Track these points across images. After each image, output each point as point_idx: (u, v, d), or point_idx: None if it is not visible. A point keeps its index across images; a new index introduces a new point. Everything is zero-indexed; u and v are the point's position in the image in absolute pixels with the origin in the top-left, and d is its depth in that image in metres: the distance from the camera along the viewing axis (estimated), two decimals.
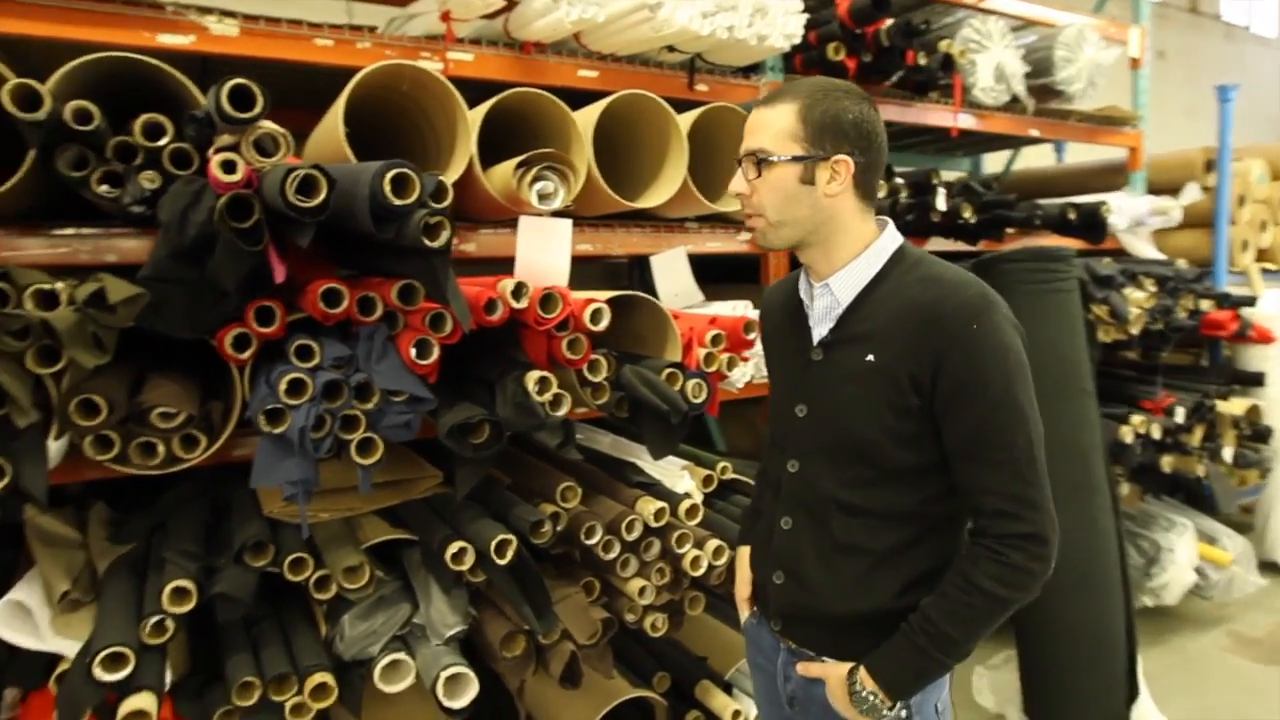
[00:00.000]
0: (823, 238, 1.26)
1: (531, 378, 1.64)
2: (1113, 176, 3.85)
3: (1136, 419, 2.80)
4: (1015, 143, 4.00)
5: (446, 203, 1.51)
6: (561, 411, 1.70)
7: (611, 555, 1.83)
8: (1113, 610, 2.41)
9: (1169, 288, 3.16)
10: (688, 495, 2.01)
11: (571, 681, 1.78)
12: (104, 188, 1.49)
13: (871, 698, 1.23)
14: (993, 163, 4.47)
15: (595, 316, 1.74)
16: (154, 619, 1.46)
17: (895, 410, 1.21)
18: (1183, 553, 3.00)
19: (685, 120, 2.20)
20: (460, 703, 1.63)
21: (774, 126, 1.23)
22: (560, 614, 1.74)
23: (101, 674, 1.36)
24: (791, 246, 1.29)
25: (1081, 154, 4.41)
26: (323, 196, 1.34)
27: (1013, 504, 1.16)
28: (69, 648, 1.44)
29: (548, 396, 1.66)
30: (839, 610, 1.28)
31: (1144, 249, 3.59)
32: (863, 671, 1.24)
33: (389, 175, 1.38)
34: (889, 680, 1.23)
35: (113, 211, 1.53)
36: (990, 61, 3.00)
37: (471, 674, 1.65)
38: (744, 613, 1.50)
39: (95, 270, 1.48)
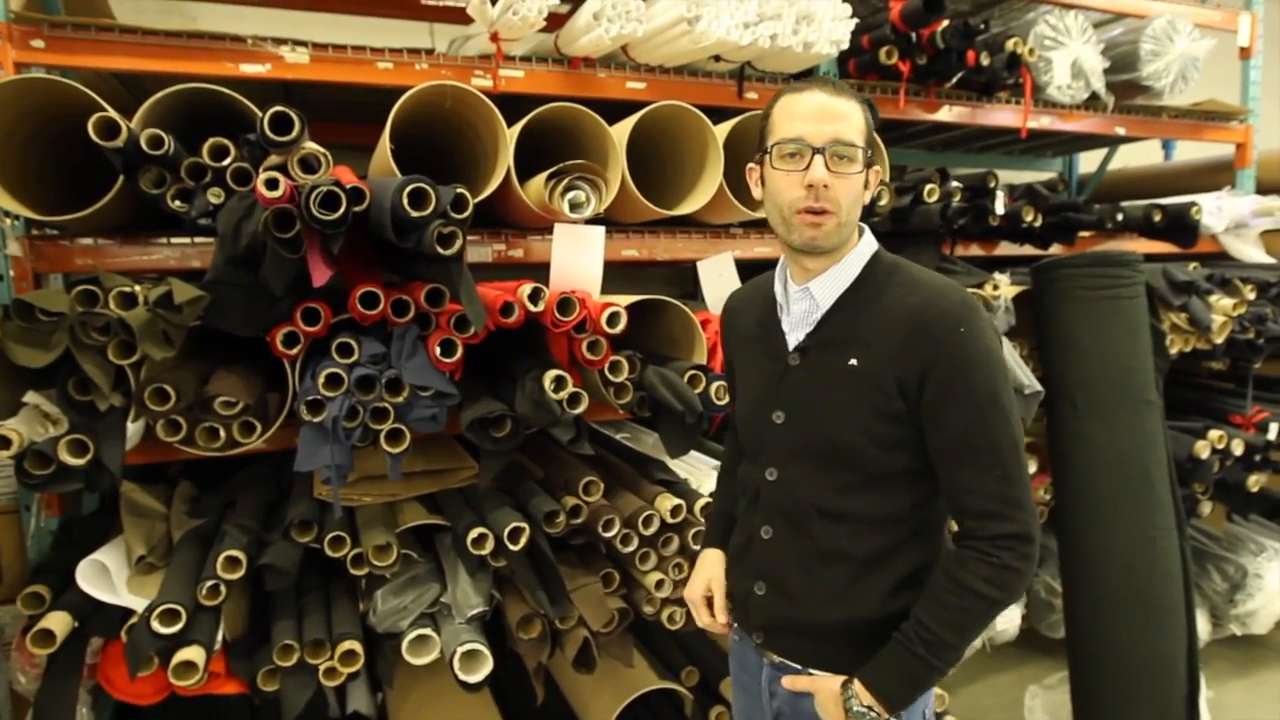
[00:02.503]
0: (842, 243, 1.27)
1: (548, 376, 1.74)
2: (1218, 175, 3.60)
3: (1214, 433, 2.63)
4: (1102, 142, 3.80)
5: (466, 214, 1.63)
6: (579, 409, 1.79)
7: (630, 548, 1.91)
8: (1173, 634, 2.28)
9: (1271, 294, 2.94)
10: (710, 495, 2.06)
11: (586, 666, 1.87)
12: (177, 203, 1.70)
13: (869, 711, 1.21)
14: (1087, 162, 4.25)
15: (612, 320, 1.83)
16: (209, 583, 1.65)
17: (880, 415, 1.21)
18: (1274, 579, 2.79)
19: (724, 129, 2.25)
20: (476, 677, 1.76)
21: (854, 120, 1.21)
22: (576, 601, 1.84)
23: (158, 627, 1.56)
24: (835, 248, 1.26)
25: (1191, 152, 4.13)
26: (342, 210, 1.48)
27: (1000, 504, 1.17)
28: (139, 604, 1.65)
29: (564, 394, 1.76)
30: (824, 619, 1.28)
31: (1249, 252, 3.34)
32: (858, 684, 1.22)
33: (406, 190, 1.52)
34: (886, 691, 1.21)
35: (186, 224, 1.74)
36: (1067, 58, 2.88)
37: (487, 651, 1.77)
38: (699, 615, 1.49)
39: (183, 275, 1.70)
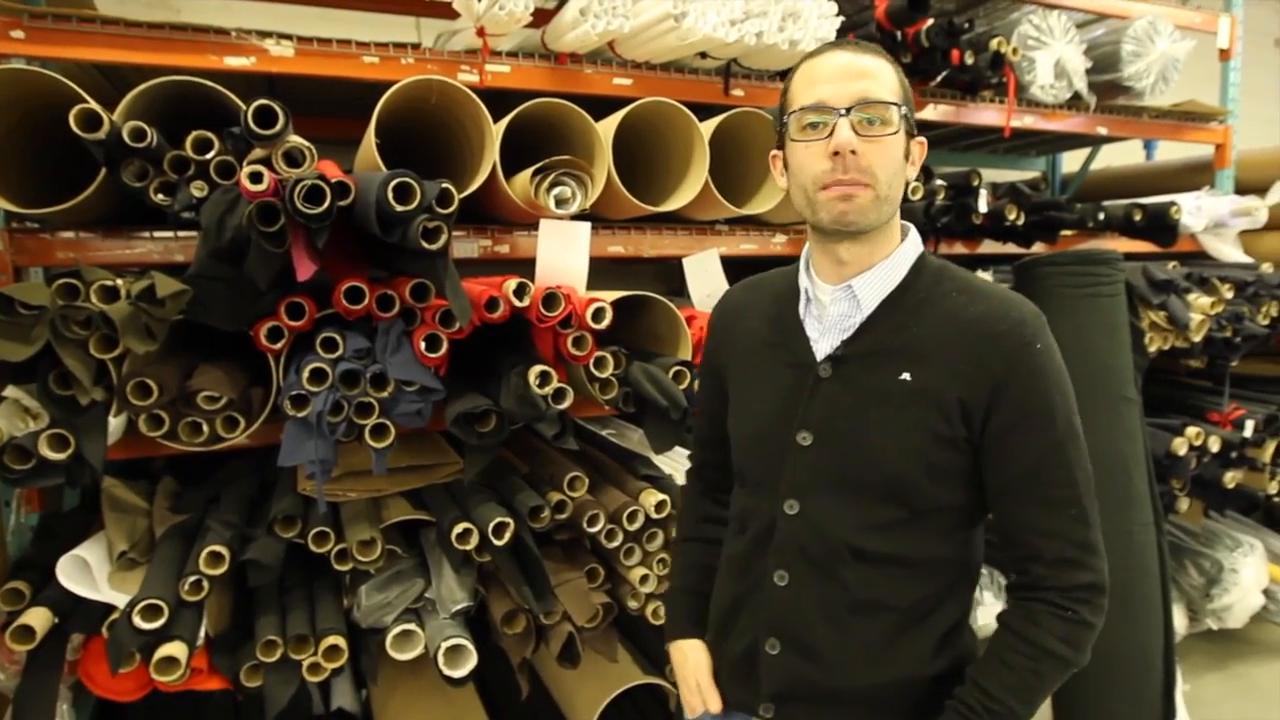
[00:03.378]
0: (882, 229, 1.08)
1: (533, 372, 1.75)
2: (1198, 175, 3.64)
3: (1191, 430, 2.66)
4: (1085, 142, 3.84)
5: (452, 209, 1.63)
6: (564, 405, 1.80)
7: (614, 544, 1.91)
8: (1150, 628, 2.32)
9: (1249, 293, 2.98)
10: None
11: (570, 661, 1.88)
12: (160, 196, 1.69)
13: None
14: (1071, 162, 4.30)
15: (597, 315, 1.83)
16: (191, 578, 1.65)
17: (939, 440, 1.04)
18: (1249, 574, 2.83)
19: (710, 125, 2.26)
20: (460, 672, 1.76)
21: (885, 78, 1.04)
22: (560, 596, 1.84)
23: (140, 622, 1.55)
24: (869, 230, 1.06)
25: (1172, 152, 4.18)
26: (326, 204, 1.48)
27: (1077, 550, 1.02)
28: (120, 599, 1.64)
29: (549, 389, 1.76)
30: (860, 684, 1.08)
31: (1228, 252, 3.39)
32: None
33: (391, 184, 1.52)
34: None
35: (169, 217, 1.73)
36: (1050, 58, 2.91)
37: (470, 646, 1.77)
38: (711, 704, 1.21)
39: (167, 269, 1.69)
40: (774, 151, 1.17)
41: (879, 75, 1.04)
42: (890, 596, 1.07)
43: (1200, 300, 2.74)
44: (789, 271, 1.23)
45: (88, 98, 1.61)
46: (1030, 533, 1.04)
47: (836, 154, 1.01)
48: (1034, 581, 1.05)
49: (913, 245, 1.13)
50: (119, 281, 1.61)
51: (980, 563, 1.17)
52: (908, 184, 1.11)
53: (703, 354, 1.35)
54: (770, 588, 1.12)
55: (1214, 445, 2.70)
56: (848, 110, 1.01)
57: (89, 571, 1.68)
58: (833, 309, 1.11)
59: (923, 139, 1.11)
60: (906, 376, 1.05)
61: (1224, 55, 3.56)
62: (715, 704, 1.22)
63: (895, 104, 1.03)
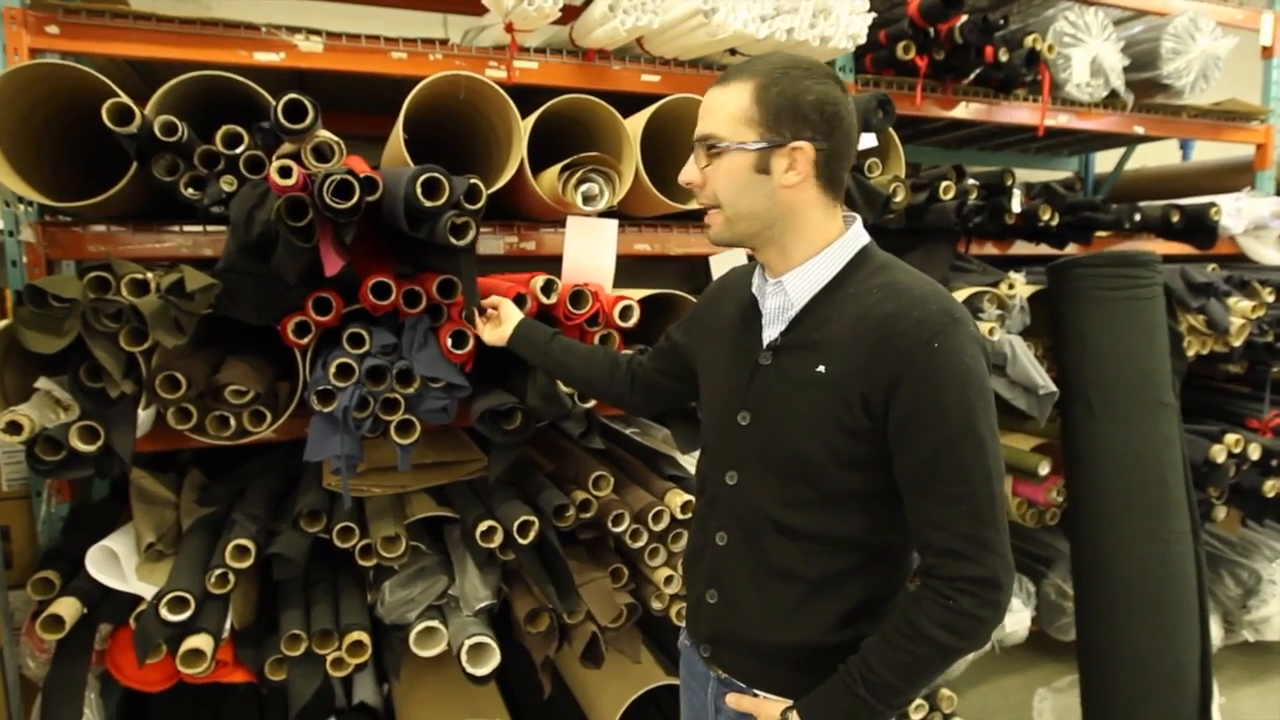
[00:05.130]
0: (779, 233, 1.16)
1: None
2: (1237, 176, 3.56)
3: (1231, 438, 2.60)
4: (1120, 141, 3.76)
5: (480, 204, 1.62)
6: (590, 403, 1.78)
7: (639, 544, 1.90)
8: (1186, 639, 2.26)
9: None
10: None
11: (593, 661, 1.87)
12: (190, 191, 1.70)
13: None
14: (1104, 162, 4.21)
15: (625, 314, 1.82)
16: (218, 571, 1.65)
17: (843, 430, 1.11)
18: None
19: None
20: (483, 670, 1.75)
21: (726, 109, 1.12)
22: (584, 596, 1.83)
23: (167, 614, 1.56)
24: (746, 242, 1.19)
25: (1210, 152, 4.09)
26: (355, 199, 1.47)
27: (964, 544, 1.07)
28: (148, 591, 1.65)
29: None
30: (769, 639, 1.20)
31: (1269, 254, 3.30)
32: (795, 715, 1.16)
33: (420, 179, 1.51)
34: None
35: (199, 212, 1.74)
36: (1086, 56, 2.85)
37: (493, 644, 1.76)
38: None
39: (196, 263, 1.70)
40: None
41: (723, 108, 1.13)
42: (801, 567, 1.17)
43: (1240, 304, 2.67)
44: None
45: (120, 92, 1.62)
46: (923, 523, 1.11)
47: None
48: (925, 569, 1.11)
49: (853, 239, 1.19)
50: (149, 275, 1.62)
51: (900, 552, 1.22)
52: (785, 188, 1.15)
53: (690, 312, 1.47)
54: (714, 546, 1.26)
55: (1254, 453, 2.63)
56: (694, 147, 1.17)
57: (117, 562, 1.69)
58: (770, 301, 1.21)
59: (800, 143, 1.12)
60: (821, 369, 1.13)
61: (1266, 53, 3.47)
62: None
63: (712, 137, 1.13)
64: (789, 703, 1.18)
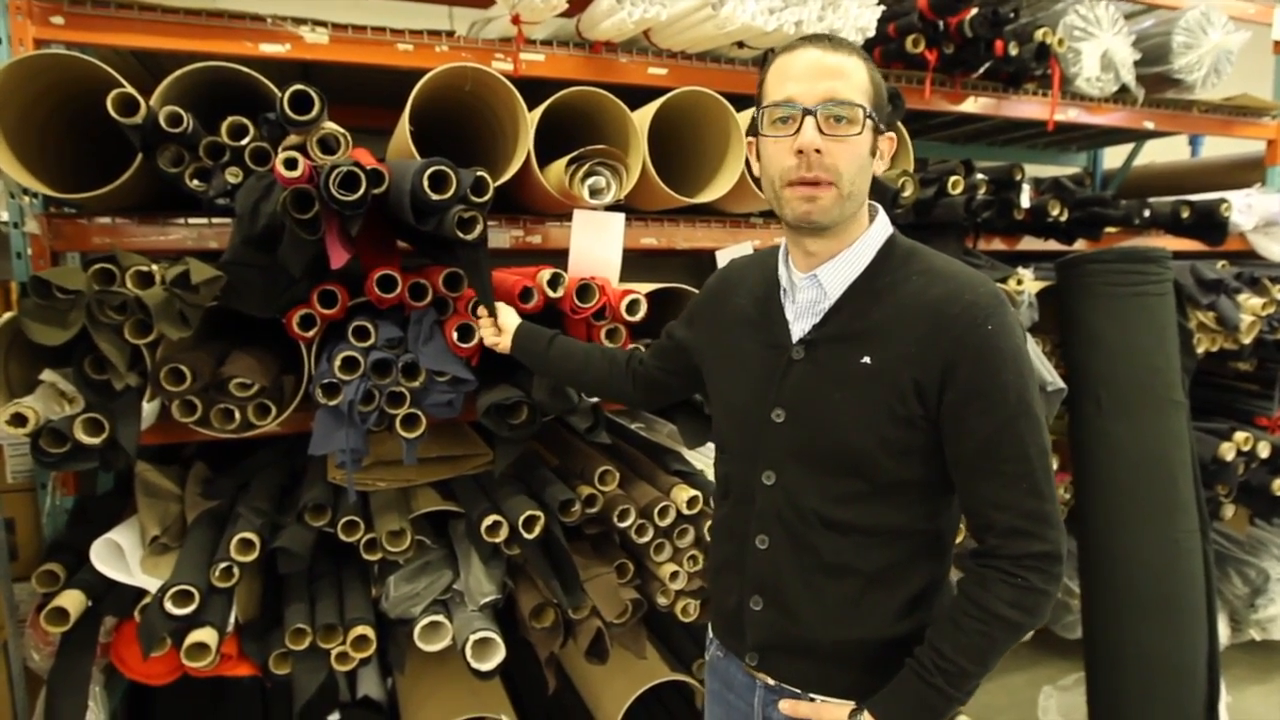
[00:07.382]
0: (849, 220, 1.13)
1: None
2: (1246, 172, 3.53)
3: (1240, 435, 2.58)
4: (1130, 136, 3.73)
5: (487, 197, 1.61)
6: (597, 398, 1.77)
7: (645, 539, 1.89)
8: (1193, 638, 2.25)
9: None
10: None
11: (598, 657, 1.86)
12: (195, 182, 1.69)
13: None
14: (1113, 157, 4.18)
15: (632, 308, 1.80)
16: (222, 565, 1.65)
17: (894, 419, 1.10)
18: None
19: (746, 116, 2.22)
20: (487, 665, 1.75)
21: (854, 77, 1.07)
22: (590, 591, 1.82)
23: (172, 608, 1.55)
24: (835, 226, 1.12)
25: (1220, 148, 4.06)
26: (361, 192, 1.46)
27: (1028, 521, 1.06)
28: (152, 584, 1.65)
29: None
30: (828, 638, 1.17)
31: (1278, 251, 3.29)
32: (867, 715, 1.13)
33: (428, 173, 1.50)
34: None
35: (204, 204, 1.73)
36: (1096, 50, 2.83)
37: (498, 639, 1.76)
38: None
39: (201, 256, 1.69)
40: (749, 139, 1.21)
41: (847, 74, 1.07)
42: (857, 561, 1.15)
43: (1251, 301, 2.65)
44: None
45: (125, 83, 1.61)
46: (984, 504, 1.09)
47: (801, 152, 1.06)
48: (988, 550, 1.10)
49: (879, 229, 1.17)
50: (154, 267, 1.61)
51: (950, 536, 1.22)
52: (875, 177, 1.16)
53: (690, 308, 1.42)
54: (753, 551, 1.21)
55: (1263, 451, 2.62)
56: (815, 109, 1.05)
57: (122, 555, 1.68)
58: (802, 296, 1.17)
59: (892, 135, 1.15)
60: (867, 360, 1.11)
61: (1278, 48, 3.44)
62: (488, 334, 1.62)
63: (860, 105, 1.07)
64: (851, 705, 1.15)
